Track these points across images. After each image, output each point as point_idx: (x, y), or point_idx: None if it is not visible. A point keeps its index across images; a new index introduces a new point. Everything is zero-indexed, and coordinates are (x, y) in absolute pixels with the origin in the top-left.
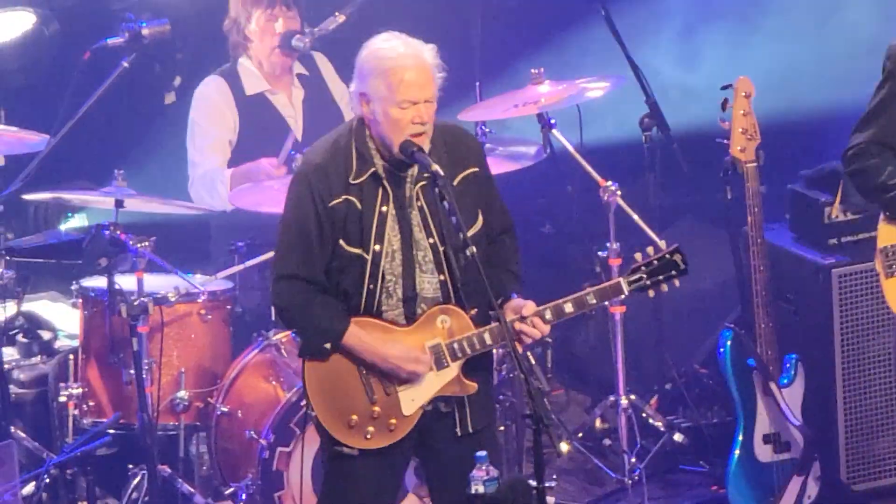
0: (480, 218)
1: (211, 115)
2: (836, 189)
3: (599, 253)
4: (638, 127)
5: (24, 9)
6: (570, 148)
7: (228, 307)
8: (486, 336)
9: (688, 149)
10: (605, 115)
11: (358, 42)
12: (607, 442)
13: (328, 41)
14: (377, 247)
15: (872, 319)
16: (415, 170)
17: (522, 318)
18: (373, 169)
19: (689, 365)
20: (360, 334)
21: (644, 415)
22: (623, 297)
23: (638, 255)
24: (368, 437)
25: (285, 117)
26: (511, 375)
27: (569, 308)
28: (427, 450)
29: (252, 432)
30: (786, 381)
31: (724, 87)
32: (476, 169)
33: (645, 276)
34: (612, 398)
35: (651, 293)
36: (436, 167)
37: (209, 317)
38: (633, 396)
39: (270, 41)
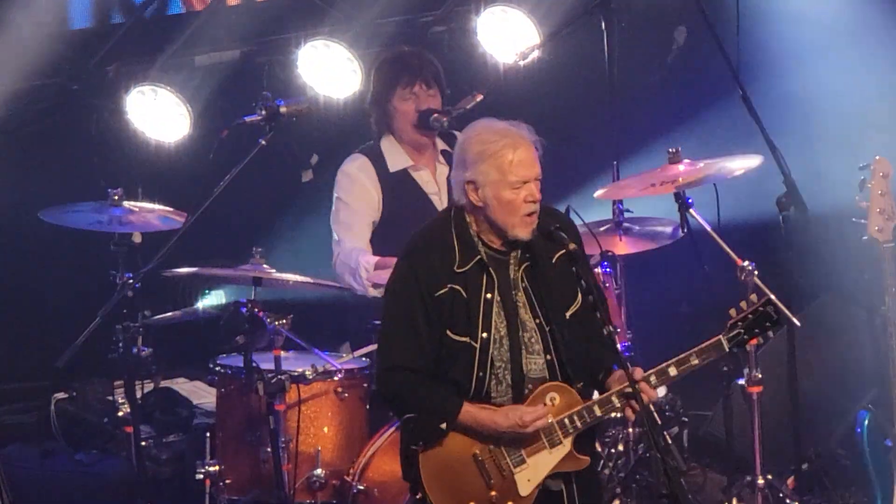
0: (580, 296)
1: (355, 194)
2: None
3: None
4: (775, 206)
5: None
6: (707, 227)
7: (365, 385)
8: (596, 408)
9: (826, 228)
10: (742, 195)
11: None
12: None
13: (467, 121)
14: (485, 334)
15: None
16: (518, 252)
17: (621, 389)
18: (478, 256)
19: (827, 445)
20: (474, 411)
21: (781, 495)
22: (724, 353)
23: (732, 311)
24: None
25: (429, 194)
26: (647, 455)
27: (673, 371)
28: None
29: None
30: None
31: (862, 168)
32: (572, 247)
33: (742, 330)
34: (748, 478)
35: (749, 346)
36: (573, 245)
37: (346, 395)
38: (769, 476)
39: (409, 119)
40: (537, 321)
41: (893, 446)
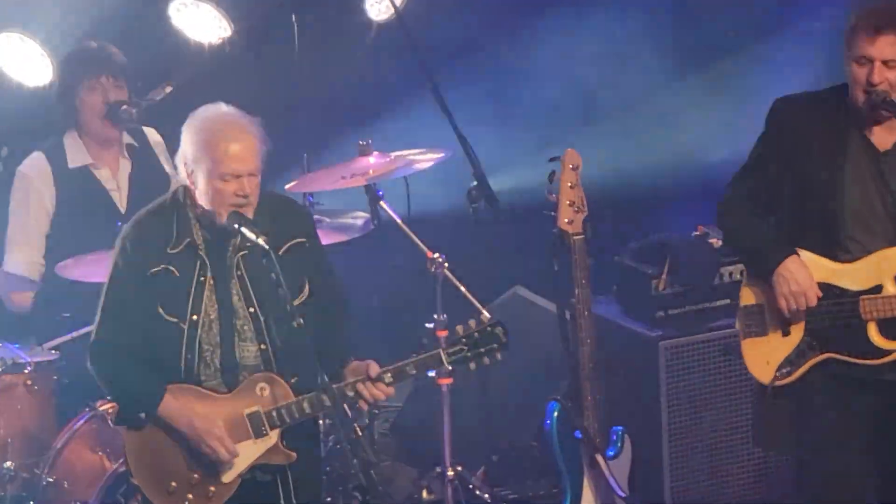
0: (307, 288)
1: (29, 204)
2: (663, 262)
3: (427, 325)
4: (466, 198)
5: None
6: (398, 220)
7: (55, 377)
8: (306, 404)
9: (516, 220)
10: (432, 187)
11: (186, 113)
12: None
13: (157, 112)
14: (194, 316)
15: (699, 391)
16: (238, 239)
17: (354, 383)
18: (188, 239)
19: (517, 436)
20: (173, 403)
21: (471, 486)
22: (446, 369)
23: (459, 328)
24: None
25: (109, 191)
26: (338, 446)
27: (388, 379)
28: None
29: (78, 503)
30: (612, 453)
31: (552, 160)
32: (303, 239)
33: (465, 348)
34: (438, 469)
35: (472, 366)
36: (261, 240)
37: (35, 387)
38: (459, 468)
39: (97, 111)
40: (251, 310)
41: (582, 438)
